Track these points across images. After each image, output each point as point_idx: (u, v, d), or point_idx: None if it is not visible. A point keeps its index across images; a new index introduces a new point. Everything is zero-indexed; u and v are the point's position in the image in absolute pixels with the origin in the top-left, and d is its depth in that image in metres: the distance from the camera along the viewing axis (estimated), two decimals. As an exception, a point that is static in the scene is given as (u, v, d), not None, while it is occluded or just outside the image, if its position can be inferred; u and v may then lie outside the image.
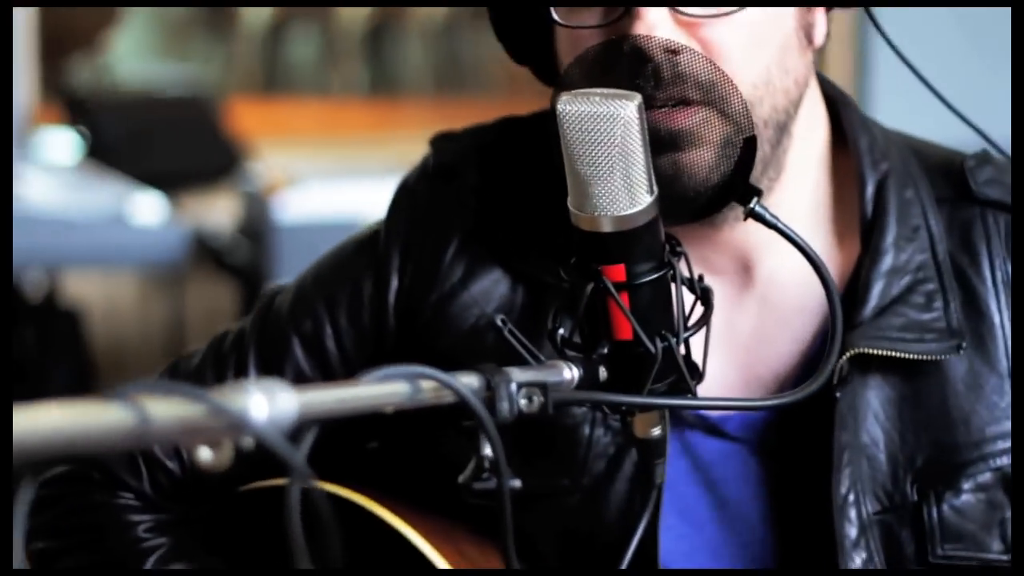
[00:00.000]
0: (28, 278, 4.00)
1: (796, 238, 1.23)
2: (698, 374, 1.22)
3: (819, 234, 1.38)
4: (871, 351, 1.31)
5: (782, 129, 1.33)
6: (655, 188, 1.17)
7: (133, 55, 7.27)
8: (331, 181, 3.93)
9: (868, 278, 1.35)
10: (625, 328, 1.19)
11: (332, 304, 1.43)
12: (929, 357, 1.33)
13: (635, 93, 1.16)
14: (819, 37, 1.35)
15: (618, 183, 1.16)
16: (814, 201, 1.39)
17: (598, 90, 1.17)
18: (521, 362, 1.16)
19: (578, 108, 1.16)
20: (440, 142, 1.45)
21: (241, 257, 3.79)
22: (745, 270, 1.38)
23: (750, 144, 1.24)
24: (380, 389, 0.99)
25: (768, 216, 1.23)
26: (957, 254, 1.37)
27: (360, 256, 1.44)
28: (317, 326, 1.43)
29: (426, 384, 1.01)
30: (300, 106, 7.47)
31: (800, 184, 1.38)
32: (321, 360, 1.43)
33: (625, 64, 1.24)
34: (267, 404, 0.88)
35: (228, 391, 0.87)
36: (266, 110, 6.90)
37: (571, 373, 1.15)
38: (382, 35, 8.04)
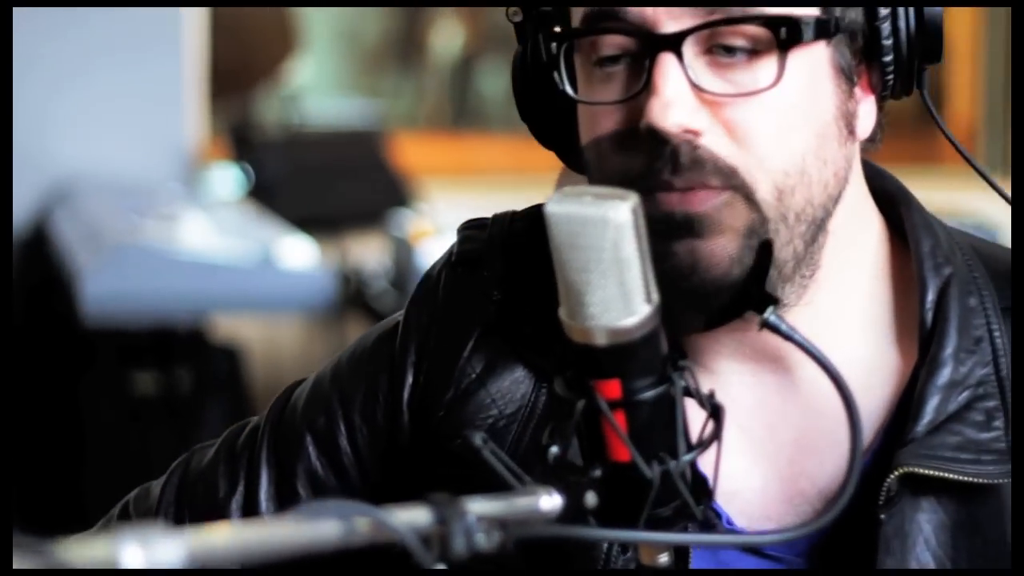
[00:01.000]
0: (181, 318, 3.99)
1: (813, 351, 1.12)
2: (707, 494, 1.11)
3: (873, 340, 1.28)
4: (921, 471, 1.20)
5: (818, 226, 1.22)
6: (654, 296, 1.07)
7: (321, 89, 7.29)
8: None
9: (924, 392, 1.24)
10: (621, 449, 1.08)
11: (346, 401, 1.36)
12: (985, 481, 1.21)
13: (631, 193, 1.05)
14: (863, 129, 1.24)
15: (612, 291, 1.05)
16: (868, 305, 1.28)
17: (592, 189, 1.07)
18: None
19: (567, 210, 1.05)
20: (466, 230, 1.37)
21: (389, 303, 3.75)
22: (787, 373, 1.27)
23: (765, 248, 1.13)
24: (305, 530, 0.91)
25: (784, 327, 1.13)
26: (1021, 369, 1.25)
27: (377, 351, 1.36)
28: (331, 424, 1.35)
29: (363, 521, 0.92)
30: (489, 142, 7.42)
31: (846, 286, 1.27)
32: (334, 459, 1.35)
33: (643, 145, 1.16)
34: (143, 555, 0.80)
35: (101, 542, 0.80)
36: (455, 146, 6.87)
37: (551, 501, 1.05)
38: (471, 66, 7.97)
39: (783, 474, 1.27)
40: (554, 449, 1.10)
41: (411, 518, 0.95)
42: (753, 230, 1.18)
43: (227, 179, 4.61)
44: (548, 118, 1.29)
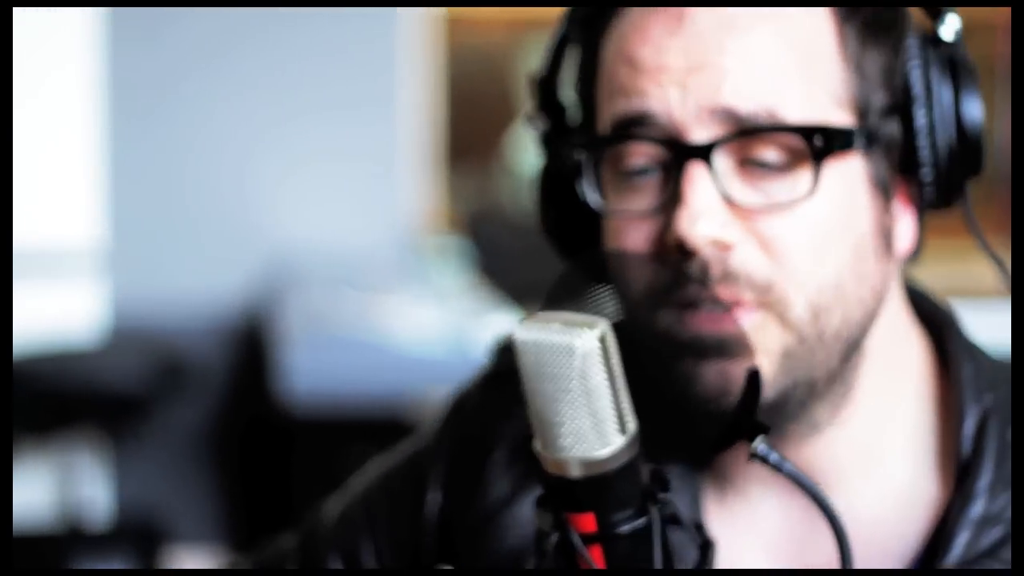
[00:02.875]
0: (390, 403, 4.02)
1: (803, 480, 1.07)
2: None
3: (912, 467, 1.22)
4: None
5: (853, 345, 1.16)
6: (629, 426, 1.02)
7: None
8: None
9: (954, 525, 1.17)
10: (597, 584, 1.04)
11: (373, 520, 1.34)
12: None
13: (600, 320, 1.01)
14: (902, 245, 1.19)
15: (583, 422, 1.01)
16: (910, 431, 1.22)
17: (562, 315, 1.03)
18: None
19: (534, 337, 1.02)
20: (500, 349, 1.33)
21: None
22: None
23: (754, 377, 1.08)
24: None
25: (773, 458, 1.07)
26: None
27: (406, 469, 1.34)
28: (357, 543, 1.34)
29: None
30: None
31: (886, 409, 1.21)
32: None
33: (671, 260, 1.12)
34: None
35: None
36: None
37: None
38: None
39: None
40: (537, 583, 1.07)
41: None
42: (789, 352, 1.13)
43: (455, 254, 4.65)
44: (571, 231, 1.25)
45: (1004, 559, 1.16)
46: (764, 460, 1.07)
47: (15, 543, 4.44)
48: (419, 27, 4.88)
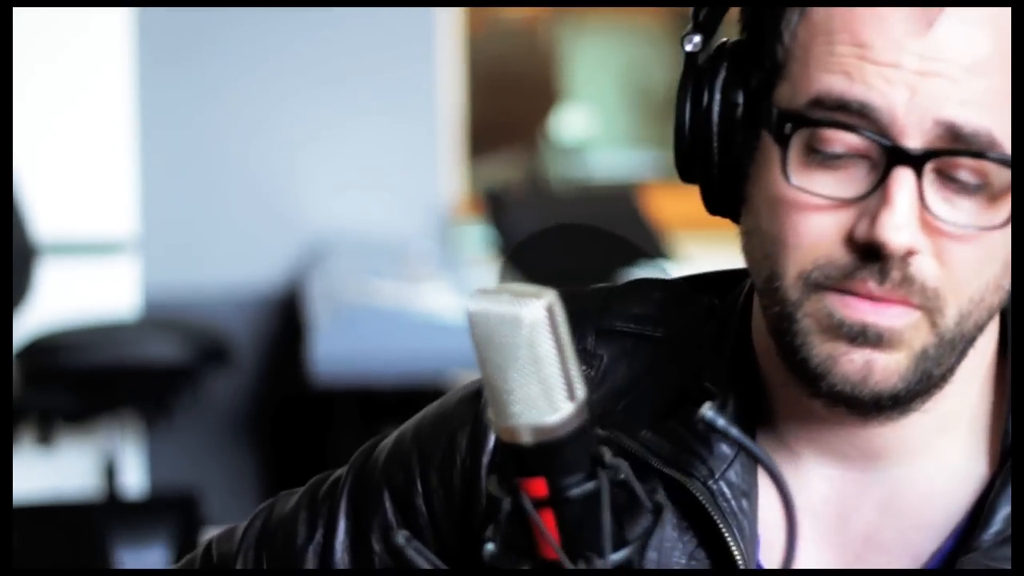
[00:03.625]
0: (421, 376, 4.06)
1: (753, 449, 1.08)
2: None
3: (970, 445, 1.23)
4: None
5: (972, 344, 1.19)
6: (578, 393, 1.05)
7: (611, 142, 7.33)
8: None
9: (996, 499, 1.19)
10: (549, 547, 1.07)
11: (426, 459, 1.34)
12: None
13: (547, 290, 1.04)
14: None
15: (533, 389, 1.04)
16: (975, 411, 1.24)
17: (511, 287, 1.06)
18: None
19: (483, 308, 1.05)
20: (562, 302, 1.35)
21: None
22: (871, 472, 1.23)
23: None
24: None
25: (720, 423, 1.09)
26: None
27: (460, 410, 1.34)
28: (409, 482, 1.34)
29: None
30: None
31: (965, 393, 1.23)
32: (409, 519, 1.34)
33: (855, 248, 1.13)
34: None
35: None
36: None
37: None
38: None
39: (848, 563, 1.23)
40: (490, 546, 1.10)
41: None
42: (926, 351, 1.14)
43: (480, 238, 4.68)
44: (715, 169, 1.22)
45: None
46: (711, 427, 1.10)
47: (55, 514, 4.50)
48: (455, 12, 4.91)
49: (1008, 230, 1.15)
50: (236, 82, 4.82)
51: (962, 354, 1.18)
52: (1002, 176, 1.13)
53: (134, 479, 4.69)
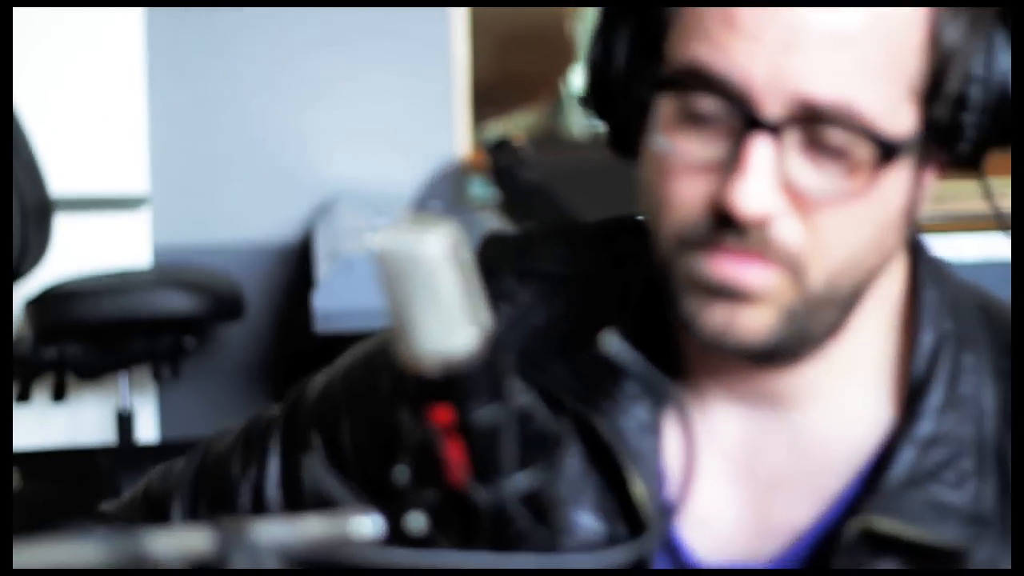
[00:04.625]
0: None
1: (652, 376, 1.11)
2: (555, 517, 1.12)
3: (874, 388, 1.26)
4: (878, 527, 1.19)
5: (854, 301, 1.21)
6: (481, 321, 1.08)
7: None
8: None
9: (899, 443, 1.22)
10: (456, 474, 1.10)
11: (352, 398, 1.38)
12: (943, 545, 1.18)
13: (447, 222, 1.07)
14: (922, 210, 1.23)
15: (433, 320, 1.07)
16: (879, 353, 1.26)
17: (412, 219, 1.09)
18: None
19: (383, 241, 1.08)
20: (486, 245, 1.38)
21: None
22: (780, 413, 1.26)
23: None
24: (66, 552, 0.95)
25: (620, 354, 1.12)
26: (1005, 433, 1.22)
27: (385, 350, 1.37)
28: (336, 419, 1.38)
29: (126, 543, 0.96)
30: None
31: (865, 337, 1.25)
32: (336, 455, 1.38)
33: (715, 212, 1.16)
34: None
35: None
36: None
37: (371, 525, 1.07)
38: None
39: (757, 507, 1.26)
40: (401, 468, 1.13)
41: (190, 542, 0.99)
42: (794, 309, 1.17)
43: (489, 193, 4.69)
44: (616, 106, 1.26)
45: (947, 480, 1.20)
46: (617, 365, 1.12)
47: (72, 460, 4.56)
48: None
49: (884, 197, 1.16)
50: (247, 37, 4.84)
51: (846, 311, 1.20)
52: (864, 145, 1.14)
53: (147, 431, 4.73)
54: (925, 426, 1.22)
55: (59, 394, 4.42)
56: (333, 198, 4.72)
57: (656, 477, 1.25)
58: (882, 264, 1.21)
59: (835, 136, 1.14)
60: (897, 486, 1.20)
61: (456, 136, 4.91)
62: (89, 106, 4.68)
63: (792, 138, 1.14)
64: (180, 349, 4.48)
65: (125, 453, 4.40)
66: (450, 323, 1.07)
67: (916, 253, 1.28)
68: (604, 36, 1.25)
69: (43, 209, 4.44)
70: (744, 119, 1.14)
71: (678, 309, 1.20)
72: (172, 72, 4.82)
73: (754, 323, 1.17)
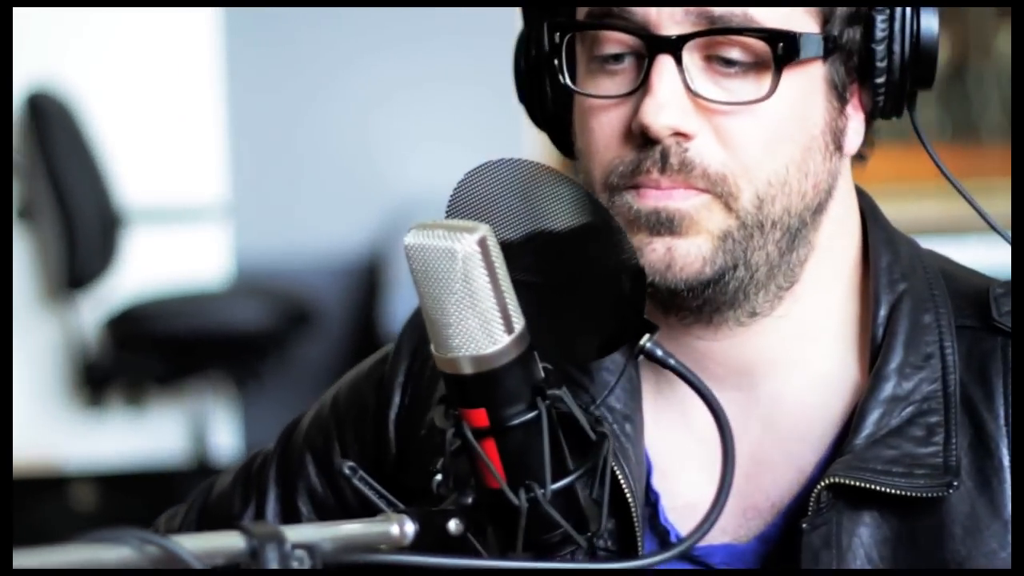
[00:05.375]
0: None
1: (690, 377, 1.12)
2: (594, 524, 1.11)
3: (838, 354, 1.28)
4: (847, 482, 1.20)
5: (794, 235, 1.23)
6: (516, 325, 1.07)
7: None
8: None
9: (865, 405, 1.23)
10: (492, 477, 1.09)
11: (341, 421, 1.40)
12: (915, 494, 1.19)
13: (480, 225, 1.07)
14: (850, 144, 1.25)
15: (470, 322, 1.07)
16: (840, 319, 1.28)
17: (446, 221, 1.09)
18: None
19: (419, 242, 1.08)
20: None
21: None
22: (749, 389, 1.27)
23: (639, 276, 1.13)
24: (96, 555, 0.96)
25: (659, 353, 1.12)
26: (971, 387, 1.24)
27: (371, 373, 1.41)
28: (328, 443, 1.40)
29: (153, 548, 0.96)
30: (879, 152, 7.24)
31: (823, 300, 1.27)
32: (330, 477, 1.40)
33: (634, 142, 1.19)
34: None
35: None
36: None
37: (407, 527, 1.07)
38: (963, 77, 7.73)
39: (739, 488, 1.26)
40: (438, 477, 1.12)
41: (224, 544, 0.99)
42: (728, 234, 1.20)
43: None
44: (544, 102, 1.30)
45: (910, 435, 1.22)
46: (651, 356, 1.12)
47: (147, 479, 4.60)
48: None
49: (798, 112, 1.20)
50: (324, 46, 4.87)
51: (790, 248, 1.22)
52: (763, 50, 1.19)
53: (225, 442, 4.76)
54: (887, 388, 1.23)
55: (136, 406, 4.46)
56: (408, 207, 4.73)
57: (640, 465, 1.26)
58: (812, 195, 1.22)
59: (731, 45, 1.19)
60: (864, 446, 1.22)
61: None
62: (167, 118, 4.71)
63: (694, 55, 1.19)
64: (256, 362, 4.51)
65: (203, 469, 4.43)
66: (485, 325, 1.07)
67: (868, 219, 1.30)
68: (525, 40, 1.31)
69: (108, 220, 4.49)
70: (646, 43, 1.19)
71: (621, 255, 1.18)
72: (249, 82, 4.84)
73: (691, 252, 1.19)
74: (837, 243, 1.27)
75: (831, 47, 1.21)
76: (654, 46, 1.19)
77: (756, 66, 1.19)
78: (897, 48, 1.23)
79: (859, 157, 1.28)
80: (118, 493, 4.50)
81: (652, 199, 1.19)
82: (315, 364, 4.81)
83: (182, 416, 4.69)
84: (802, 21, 1.20)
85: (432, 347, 1.09)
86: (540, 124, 1.33)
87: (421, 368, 1.37)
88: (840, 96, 1.23)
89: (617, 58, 1.22)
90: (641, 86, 1.19)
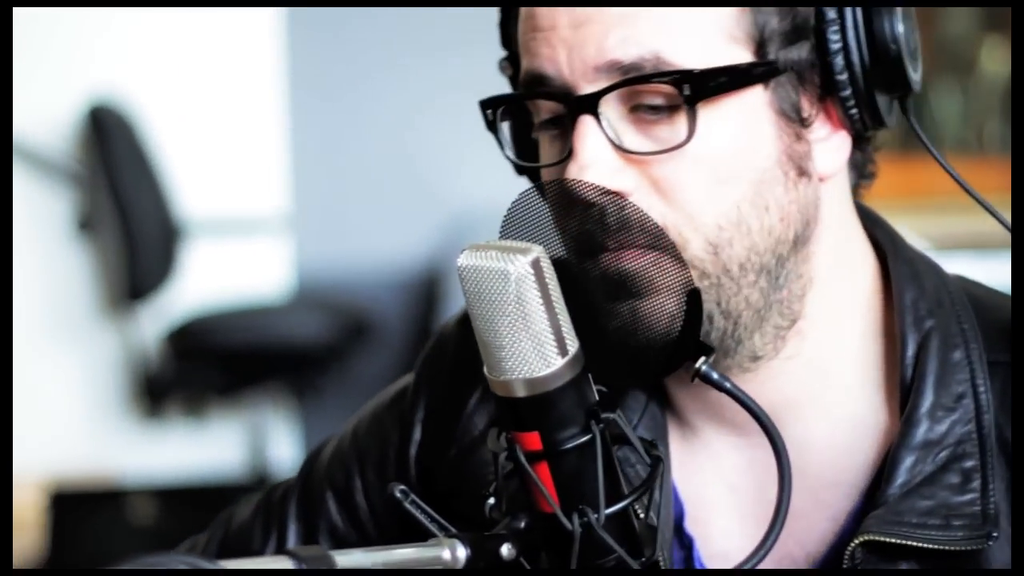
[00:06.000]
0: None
1: (748, 402, 1.09)
2: (649, 549, 1.09)
3: (864, 397, 1.23)
4: (883, 539, 1.16)
5: (775, 273, 1.18)
6: (570, 347, 1.06)
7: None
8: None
9: (897, 452, 1.19)
10: (545, 500, 1.08)
11: (362, 458, 1.38)
12: (953, 547, 1.15)
13: (534, 246, 1.05)
14: (825, 167, 1.19)
15: (524, 344, 1.05)
16: (861, 358, 1.23)
17: (499, 243, 1.07)
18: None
19: (472, 263, 1.06)
20: None
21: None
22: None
23: (694, 297, 1.10)
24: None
25: (715, 377, 1.10)
26: (1007, 426, 1.18)
27: (391, 408, 1.39)
28: (349, 480, 1.39)
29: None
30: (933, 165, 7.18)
31: (835, 335, 1.22)
32: (352, 515, 1.39)
33: (575, 208, 1.14)
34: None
35: None
36: (902, 171, 6.72)
37: (459, 552, 1.05)
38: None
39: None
40: (491, 501, 1.11)
41: (272, 568, 0.98)
42: (688, 286, 1.13)
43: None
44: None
45: (946, 483, 1.17)
46: (707, 379, 1.10)
47: (206, 493, 4.61)
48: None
49: (743, 147, 1.15)
50: (386, 59, 4.87)
51: (774, 287, 1.17)
52: (675, 93, 1.13)
53: (284, 455, 4.77)
54: (919, 432, 1.19)
55: (196, 419, 4.47)
56: (467, 221, 4.72)
57: (669, 500, 1.23)
58: (782, 229, 1.17)
59: (656, 98, 1.15)
60: (898, 496, 1.17)
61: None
62: (229, 129, 4.72)
63: (615, 109, 1.15)
64: (315, 375, 4.51)
65: (262, 482, 4.44)
66: (538, 348, 1.05)
67: (888, 253, 1.25)
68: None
69: (169, 232, 4.50)
70: (566, 107, 1.16)
71: (600, 318, 1.16)
72: (311, 94, 4.85)
73: (655, 314, 1.13)
74: (839, 273, 1.22)
75: (767, 72, 1.16)
76: (573, 108, 1.16)
77: (676, 109, 1.15)
78: (856, 58, 1.17)
79: (862, 176, 1.24)
80: (177, 506, 4.50)
81: (604, 264, 1.15)
82: (374, 377, 4.81)
83: (241, 429, 4.69)
84: (727, 52, 1.15)
85: (485, 369, 1.08)
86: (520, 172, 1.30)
87: (443, 402, 1.35)
88: (794, 120, 1.17)
89: (555, 122, 1.19)
90: (569, 150, 1.16)
